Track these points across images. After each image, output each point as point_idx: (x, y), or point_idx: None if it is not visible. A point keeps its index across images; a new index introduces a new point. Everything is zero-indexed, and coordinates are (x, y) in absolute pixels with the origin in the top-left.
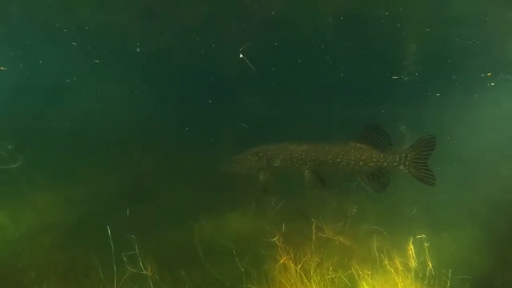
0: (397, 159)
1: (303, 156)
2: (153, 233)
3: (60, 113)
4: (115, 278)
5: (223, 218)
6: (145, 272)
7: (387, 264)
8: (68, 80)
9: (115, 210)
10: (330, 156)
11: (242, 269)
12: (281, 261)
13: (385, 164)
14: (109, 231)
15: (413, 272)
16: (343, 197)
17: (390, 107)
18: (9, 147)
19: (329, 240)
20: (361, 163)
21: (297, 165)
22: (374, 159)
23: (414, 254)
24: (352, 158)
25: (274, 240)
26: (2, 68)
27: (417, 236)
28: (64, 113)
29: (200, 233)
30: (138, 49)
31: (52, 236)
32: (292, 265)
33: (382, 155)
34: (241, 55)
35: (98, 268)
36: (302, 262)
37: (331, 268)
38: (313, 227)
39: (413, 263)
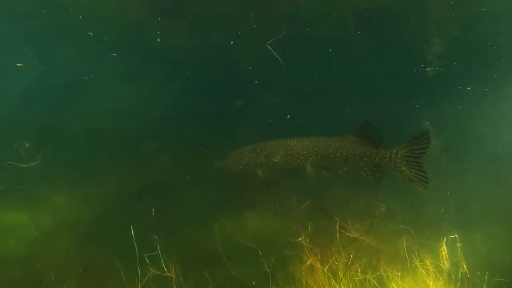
0: (388, 155)
1: (305, 151)
2: (174, 232)
3: (77, 111)
4: (137, 280)
5: (244, 217)
6: (168, 274)
7: (418, 265)
8: (85, 77)
9: (135, 209)
10: (331, 151)
11: (266, 270)
12: (308, 262)
13: (377, 159)
14: (132, 231)
15: (445, 274)
16: (368, 195)
17: (425, 103)
18: (27, 145)
19: (355, 240)
20: (357, 157)
21: (298, 160)
22: (368, 154)
23: (447, 255)
24: (350, 152)
25: (299, 240)
26: (18, 65)
27: (450, 236)
28: (82, 111)
29: (221, 232)
30: (158, 39)
31: (71, 235)
32: (319, 266)
33: (375, 150)
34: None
35: (119, 269)
36: (330, 263)
37: (359, 270)
38: (337, 227)
39: (446, 265)
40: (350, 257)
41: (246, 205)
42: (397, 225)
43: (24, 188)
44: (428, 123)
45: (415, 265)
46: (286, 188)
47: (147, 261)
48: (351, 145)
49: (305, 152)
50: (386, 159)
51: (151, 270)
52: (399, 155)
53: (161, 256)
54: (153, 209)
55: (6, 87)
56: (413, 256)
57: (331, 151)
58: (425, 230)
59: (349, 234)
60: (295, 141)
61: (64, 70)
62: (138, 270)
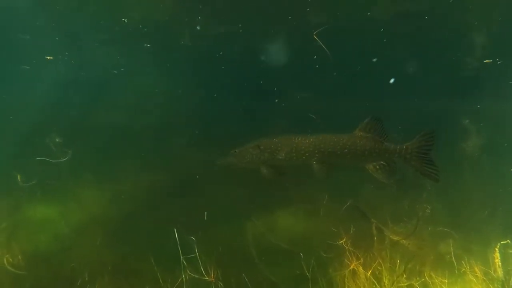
0: (398, 151)
1: (311, 148)
2: (204, 231)
3: (107, 106)
4: (171, 281)
5: (275, 216)
6: (207, 278)
7: (468, 272)
8: (115, 72)
9: (164, 207)
10: (338, 147)
11: (301, 273)
12: (351, 266)
13: (387, 154)
14: (176, 234)
15: (498, 283)
16: (410, 195)
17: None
18: (57, 140)
19: (396, 243)
20: (366, 153)
21: (304, 157)
22: (377, 150)
23: (499, 263)
24: (359, 148)
25: (337, 242)
26: (48, 58)
27: (502, 242)
28: (111, 106)
29: (252, 232)
30: (198, 27)
31: (102, 232)
32: (362, 270)
33: (384, 145)
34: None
35: (151, 268)
36: (373, 267)
37: (405, 276)
38: (374, 228)
39: (499, 273)
40: (392, 261)
41: (277, 204)
42: (439, 227)
43: (54, 183)
44: (467, 121)
45: (463, 271)
46: (318, 187)
47: (184, 263)
48: (359, 141)
49: (311, 149)
50: (397, 154)
51: (189, 273)
52: (409, 151)
53: (199, 259)
54: (205, 213)
55: (36, 81)
56: (459, 262)
57: (338, 147)
58: (468, 234)
59: (391, 237)
60: (300, 138)
61: (93, 64)
62: (172, 271)
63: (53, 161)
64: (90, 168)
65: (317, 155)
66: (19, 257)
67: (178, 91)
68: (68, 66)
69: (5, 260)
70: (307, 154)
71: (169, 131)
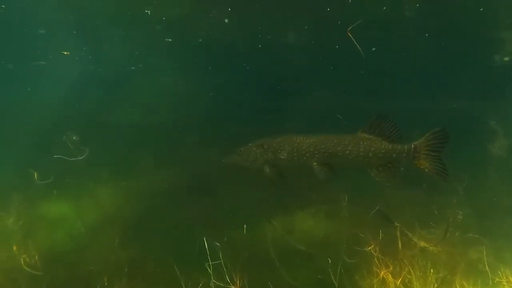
0: (406, 151)
1: (311, 149)
2: (220, 232)
3: (124, 104)
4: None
5: (294, 218)
6: (231, 286)
7: (504, 282)
8: (133, 68)
9: (180, 206)
10: (339, 148)
11: (322, 279)
12: (381, 274)
13: (394, 155)
14: (206, 243)
15: None
16: (439, 198)
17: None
18: (74, 138)
19: (422, 249)
20: (370, 154)
21: (304, 158)
22: (383, 151)
23: None
24: (362, 149)
25: (360, 247)
26: (65, 53)
27: None
28: (128, 104)
29: (272, 234)
30: (226, 20)
31: (118, 232)
32: (391, 279)
33: (391, 146)
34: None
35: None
36: (402, 276)
37: (436, 285)
38: (398, 233)
39: None
40: (422, 268)
41: (296, 205)
42: (468, 233)
43: (71, 181)
44: (494, 122)
45: (497, 281)
46: (337, 187)
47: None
48: (362, 142)
49: (311, 149)
50: (405, 154)
51: (213, 281)
52: (418, 150)
53: (224, 265)
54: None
55: (52, 77)
56: (492, 270)
57: (339, 148)
58: (498, 240)
59: (418, 243)
60: (301, 138)
61: (111, 59)
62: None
63: (70, 159)
64: (106, 166)
65: (317, 155)
66: (36, 257)
67: (195, 88)
68: (85, 62)
69: (22, 260)
70: (307, 154)
71: (185, 129)
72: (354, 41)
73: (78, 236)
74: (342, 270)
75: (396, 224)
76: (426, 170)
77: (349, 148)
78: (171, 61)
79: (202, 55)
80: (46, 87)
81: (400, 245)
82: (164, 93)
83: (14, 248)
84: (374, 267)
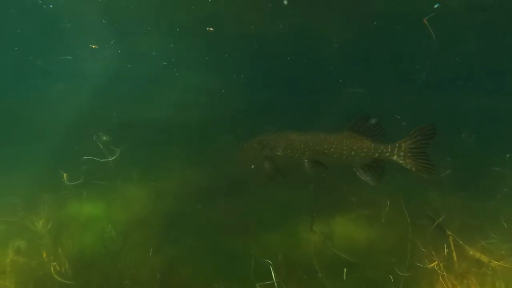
0: (390, 150)
1: (302, 146)
2: (253, 236)
3: (153, 102)
4: None
5: (334, 224)
6: None
7: None
8: (164, 63)
9: (211, 208)
10: (325, 146)
11: None
12: None
13: (377, 154)
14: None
15: None
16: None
17: None
18: (104, 138)
19: (477, 261)
20: (352, 153)
21: (297, 155)
22: (365, 150)
23: None
24: (345, 148)
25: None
26: (93, 47)
27: None
28: (157, 102)
29: (308, 239)
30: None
31: (149, 236)
32: None
33: (373, 145)
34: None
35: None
36: None
37: None
38: (451, 242)
39: None
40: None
41: (335, 209)
42: None
43: (101, 183)
44: None
45: None
46: (378, 190)
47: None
48: (345, 141)
49: (302, 146)
50: (388, 154)
51: None
52: (403, 148)
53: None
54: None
55: (82, 74)
56: None
57: (325, 146)
58: None
59: (476, 256)
60: (294, 135)
61: (141, 55)
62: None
63: (100, 160)
64: (136, 167)
65: (307, 152)
66: (66, 264)
67: (227, 84)
68: (114, 56)
69: (52, 268)
70: (299, 151)
71: (217, 127)
72: (430, 28)
73: (109, 240)
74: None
75: (448, 232)
76: (412, 168)
77: (333, 146)
78: (203, 57)
79: (237, 50)
80: (75, 84)
81: (455, 256)
82: (196, 90)
83: (44, 254)
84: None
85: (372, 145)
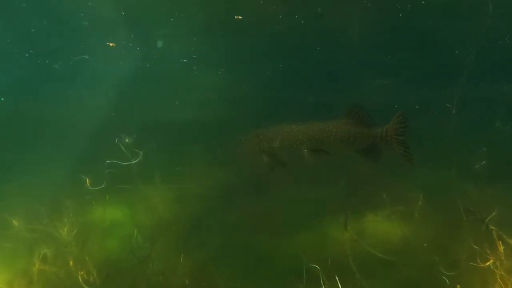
0: (379, 135)
1: (301, 136)
2: (281, 236)
3: (175, 100)
4: None
5: (366, 221)
6: None
7: None
8: (185, 60)
9: (236, 208)
10: (325, 134)
11: None
12: None
13: (370, 139)
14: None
15: None
16: None
17: None
18: (127, 140)
19: None
20: (351, 139)
21: (295, 145)
22: (361, 135)
23: None
24: (344, 135)
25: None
26: (111, 44)
27: None
28: (179, 101)
29: (342, 238)
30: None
31: (176, 240)
32: None
33: (367, 131)
34: None
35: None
36: None
37: None
38: (496, 239)
39: None
40: None
41: (366, 205)
42: None
43: (125, 186)
44: None
45: None
46: (409, 184)
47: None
48: (343, 128)
49: (300, 137)
50: (379, 138)
51: None
52: (389, 133)
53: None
54: None
55: (100, 74)
56: None
57: (324, 134)
58: None
59: None
60: (291, 127)
61: (160, 52)
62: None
63: (123, 163)
64: (160, 169)
65: (306, 143)
66: (94, 273)
67: (248, 80)
68: (133, 55)
69: (79, 277)
70: (297, 142)
71: (237, 125)
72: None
73: (136, 246)
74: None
75: (491, 227)
76: (398, 155)
77: (332, 134)
78: (222, 55)
79: (259, 46)
80: (93, 86)
81: (502, 252)
82: (218, 88)
83: (71, 263)
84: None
85: (366, 130)
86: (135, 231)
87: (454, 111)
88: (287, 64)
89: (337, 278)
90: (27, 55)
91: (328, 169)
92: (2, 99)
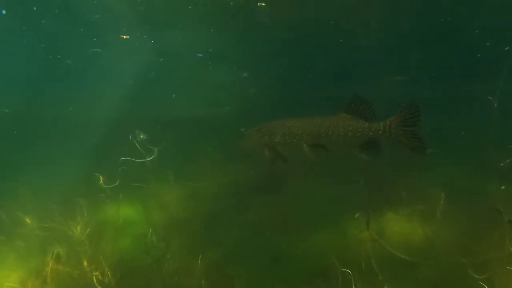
0: (381, 128)
1: (300, 131)
2: (298, 235)
3: (190, 95)
4: None
5: (386, 220)
6: None
7: None
8: (200, 55)
9: (250, 206)
10: (323, 130)
11: None
12: None
13: (371, 133)
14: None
15: None
16: None
17: None
18: (142, 136)
19: None
20: (349, 134)
21: (295, 140)
22: (360, 129)
23: None
24: (341, 130)
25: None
26: (124, 37)
27: None
28: (194, 95)
29: (361, 238)
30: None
31: (191, 239)
32: None
33: (367, 124)
34: None
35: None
36: None
37: None
38: None
39: None
40: None
41: (386, 204)
42: None
43: (139, 185)
44: None
45: None
46: (430, 182)
47: None
48: (342, 122)
49: (300, 132)
50: (381, 132)
51: None
52: (393, 126)
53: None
54: None
55: (111, 67)
56: None
57: (322, 129)
58: None
59: None
60: (292, 121)
61: (175, 46)
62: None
63: (138, 160)
64: (174, 166)
65: (305, 137)
66: (109, 274)
67: (265, 76)
68: (147, 48)
69: (94, 278)
70: (297, 137)
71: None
72: None
73: (150, 245)
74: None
75: None
76: (405, 146)
77: (330, 129)
78: (241, 49)
79: (274, 41)
80: (106, 81)
81: None
82: (232, 84)
83: (85, 263)
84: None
85: (367, 124)
86: (150, 230)
87: (496, 104)
88: (303, 61)
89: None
90: (38, 49)
91: (345, 166)
92: (7, 111)
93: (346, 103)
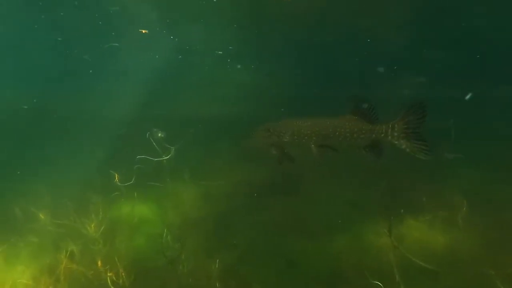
0: (384, 130)
1: (309, 131)
2: (311, 239)
3: (208, 95)
4: None
5: (406, 226)
6: None
7: None
8: (220, 52)
9: (263, 207)
10: (330, 130)
11: None
12: None
13: (374, 135)
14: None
15: None
16: None
17: None
18: (160, 135)
19: None
20: (354, 135)
21: (303, 140)
22: (364, 131)
23: None
24: (348, 131)
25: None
26: (143, 31)
27: None
28: (211, 95)
29: (379, 244)
30: None
31: (206, 240)
32: None
33: (370, 126)
34: None
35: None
36: None
37: None
38: None
39: None
40: None
41: (405, 209)
42: None
43: (155, 184)
44: None
45: None
46: (451, 189)
47: None
48: (347, 124)
49: (309, 132)
50: (383, 134)
51: None
52: (396, 129)
53: None
54: None
55: (132, 66)
56: None
57: (330, 130)
58: None
59: None
60: (300, 121)
61: (194, 43)
62: None
63: (154, 159)
64: (191, 166)
65: (314, 138)
66: (123, 274)
67: (283, 77)
68: (166, 46)
69: (108, 279)
70: (306, 137)
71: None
72: None
73: (166, 245)
74: None
75: None
76: (407, 149)
77: (337, 130)
78: (254, 48)
79: (291, 42)
80: (123, 77)
81: None
82: (250, 83)
83: (99, 263)
84: None
85: (370, 126)
86: (165, 230)
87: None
88: (320, 60)
89: None
90: (56, 43)
91: (364, 170)
92: (25, 107)
93: (351, 105)
